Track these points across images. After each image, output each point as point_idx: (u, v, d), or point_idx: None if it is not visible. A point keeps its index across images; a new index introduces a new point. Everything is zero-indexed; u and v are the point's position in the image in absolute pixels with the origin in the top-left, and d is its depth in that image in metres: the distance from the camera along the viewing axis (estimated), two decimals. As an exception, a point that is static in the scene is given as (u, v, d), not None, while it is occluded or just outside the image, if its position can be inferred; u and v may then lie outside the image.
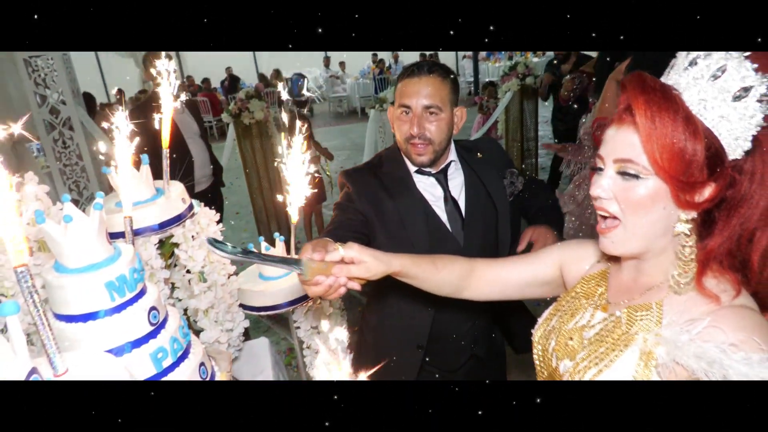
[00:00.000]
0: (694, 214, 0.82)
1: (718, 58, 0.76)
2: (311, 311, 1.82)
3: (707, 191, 0.79)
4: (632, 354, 0.83)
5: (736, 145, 0.77)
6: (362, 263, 1.01)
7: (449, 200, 1.65)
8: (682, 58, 0.81)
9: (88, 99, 4.12)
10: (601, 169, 0.87)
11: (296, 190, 1.38)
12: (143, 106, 3.40)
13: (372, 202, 1.59)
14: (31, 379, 0.52)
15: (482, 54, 13.77)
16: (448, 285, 1.15)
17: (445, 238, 1.61)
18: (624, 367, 0.83)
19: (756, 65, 0.74)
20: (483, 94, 6.90)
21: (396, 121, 1.62)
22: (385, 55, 14.70)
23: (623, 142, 0.82)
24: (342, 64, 14.60)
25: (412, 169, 1.65)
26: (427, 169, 1.64)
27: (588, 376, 0.87)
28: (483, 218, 1.65)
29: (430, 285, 1.14)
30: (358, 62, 14.48)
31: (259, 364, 1.86)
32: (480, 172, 1.68)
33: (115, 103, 10.07)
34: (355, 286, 1.04)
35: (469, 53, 14.65)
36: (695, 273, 0.84)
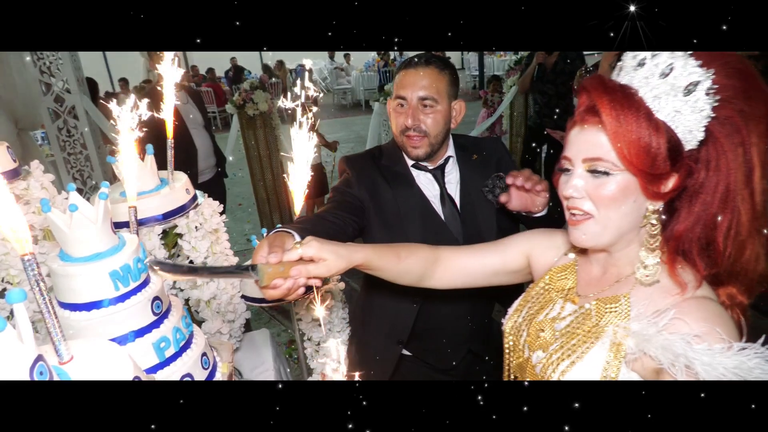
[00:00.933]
0: (660, 205, 0.87)
1: (665, 57, 0.80)
2: (313, 303, 1.83)
3: (671, 182, 0.84)
4: (603, 346, 0.87)
5: (691, 137, 0.82)
6: (322, 261, 0.96)
7: (446, 199, 1.61)
8: (630, 59, 0.86)
9: (91, 84, 4.10)
10: (568, 170, 0.91)
11: (299, 179, 1.38)
12: (148, 96, 3.40)
13: (370, 189, 1.57)
14: (36, 365, 0.53)
15: (487, 48, 13.71)
16: (411, 275, 1.14)
17: (444, 235, 1.58)
18: (596, 358, 0.87)
19: (700, 61, 0.79)
20: (488, 88, 6.88)
21: (392, 113, 1.59)
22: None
23: (590, 142, 0.86)
24: (347, 56, 14.56)
25: (410, 163, 1.62)
26: (424, 164, 1.61)
27: (561, 368, 0.90)
28: (477, 219, 1.61)
29: (392, 276, 1.13)
30: (362, 54, 14.43)
31: (260, 355, 1.88)
32: (470, 175, 1.63)
33: (120, 93, 10.05)
34: (316, 282, 1.00)
35: (475, 47, 14.55)
36: (664, 262, 0.88)
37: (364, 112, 11.84)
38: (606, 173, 0.85)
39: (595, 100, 0.83)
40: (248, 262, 1.00)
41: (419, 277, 1.15)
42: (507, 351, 1.09)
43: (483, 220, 1.60)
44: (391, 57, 14.09)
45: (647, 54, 0.82)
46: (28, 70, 3.55)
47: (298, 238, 1.04)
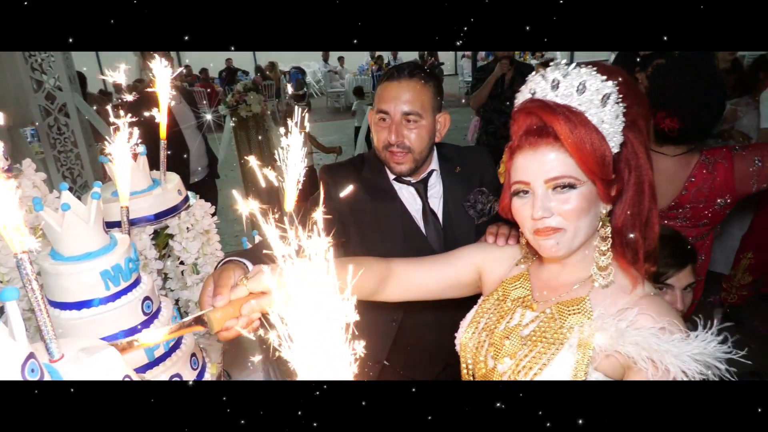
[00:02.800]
0: (610, 206, 0.95)
1: (574, 75, 0.89)
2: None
3: (616, 184, 0.92)
4: (570, 348, 0.91)
5: (615, 142, 0.90)
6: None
7: (428, 213, 1.56)
8: (541, 84, 0.92)
9: (80, 78, 4.07)
10: (525, 192, 0.94)
11: (291, 182, 1.38)
12: (141, 96, 3.38)
13: (350, 201, 1.52)
14: (28, 363, 0.53)
15: (481, 54, 13.78)
16: (364, 290, 1.12)
17: (425, 250, 1.53)
18: (564, 360, 0.90)
19: (605, 76, 0.88)
20: (480, 94, 6.89)
21: (374, 127, 1.52)
22: (384, 52, 14.71)
23: (548, 162, 0.90)
24: (341, 60, 14.59)
25: (392, 176, 1.57)
26: (407, 178, 1.56)
27: (532, 372, 0.93)
28: (457, 233, 1.57)
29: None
30: (356, 58, 14.47)
31: (248, 356, 1.88)
32: (453, 189, 1.58)
33: (119, 101, 9.98)
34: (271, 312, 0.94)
35: (468, 53, 14.67)
36: (614, 257, 0.97)
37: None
38: (572, 187, 0.90)
39: (547, 120, 0.88)
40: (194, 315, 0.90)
41: (373, 292, 1.14)
42: (465, 363, 1.09)
43: (462, 235, 1.55)
44: (385, 61, 14.14)
45: (556, 75, 0.89)
46: (20, 67, 3.53)
47: (250, 267, 0.98)
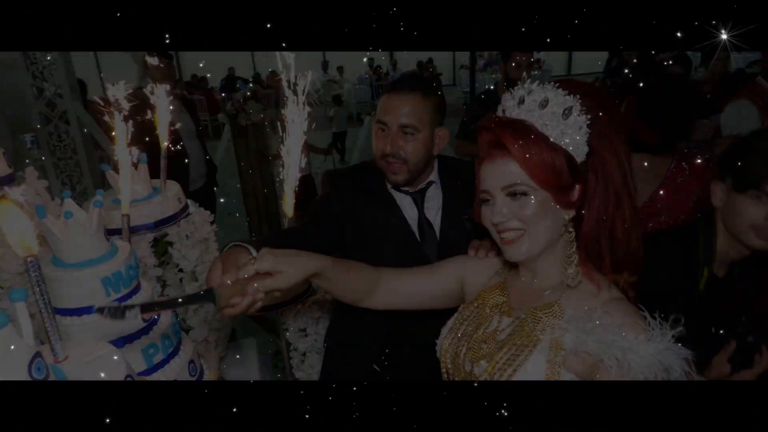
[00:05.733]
0: (573, 212, 1.00)
1: (537, 92, 0.96)
2: (300, 314, 1.85)
3: (576, 191, 0.98)
4: (542, 350, 0.95)
5: (579, 152, 0.97)
6: (279, 274, 0.95)
7: (423, 223, 1.59)
8: (510, 102, 1.00)
9: (81, 86, 4.07)
10: (488, 200, 1.03)
11: (289, 188, 1.41)
12: (141, 104, 3.39)
13: (349, 206, 1.56)
14: (35, 361, 0.55)
15: (479, 65, 13.89)
16: (354, 293, 1.16)
17: (420, 260, 1.55)
18: (537, 362, 0.95)
19: (566, 91, 0.95)
20: (478, 105, 6.94)
21: (374, 136, 1.57)
22: (383, 62, 14.81)
23: (503, 172, 0.98)
24: (340, 69, 14.67)
25: (389, 185, 1.61)
26: (404, 188, 1.60)
27: (507, 373, 0.96)
28: (454, 245, 1.54)
29: (339, 290, 1.14)
30: (356, 67, 14.54)
31: (245, 364, 1.89)
32: (453, 201, 1.60)
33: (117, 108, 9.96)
34: (276, 294, 0.97)
35: (466, 63, 14.76)
36: (579, 263, 1.01)
37: (355, 124, 11.91)
38: (524, 193, 0.97)
39: (499, 135, 0.97)
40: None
41: (360, 296, 1.17)
42: (445, 368, 1.12)
43: (458, 247, 1.50)
44: (384, 71, 14.23)
45: (522, 92, 0.98)
46: (21, 74, 3.55)
47: (254, 252, 1.03)
